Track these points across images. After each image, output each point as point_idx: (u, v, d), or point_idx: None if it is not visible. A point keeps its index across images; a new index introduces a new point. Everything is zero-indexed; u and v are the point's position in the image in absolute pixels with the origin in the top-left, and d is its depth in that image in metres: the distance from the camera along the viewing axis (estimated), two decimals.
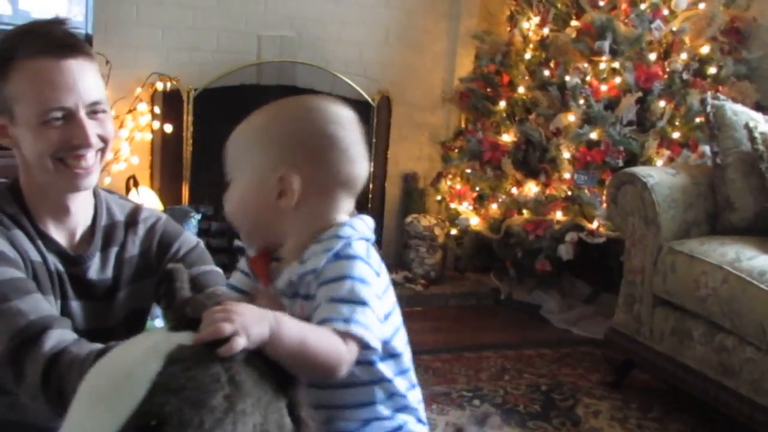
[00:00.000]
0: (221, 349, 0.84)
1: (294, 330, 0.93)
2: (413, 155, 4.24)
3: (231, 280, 1.25)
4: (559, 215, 3.37)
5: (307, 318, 1.04)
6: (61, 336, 1.21)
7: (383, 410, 1.13)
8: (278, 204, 1.11)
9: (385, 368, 1.12)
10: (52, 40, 1.34)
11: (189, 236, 1.60)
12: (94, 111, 1.37)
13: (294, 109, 1.17)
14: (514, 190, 3.62)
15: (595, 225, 3.27)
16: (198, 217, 3.36)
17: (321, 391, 1.08)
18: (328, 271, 1.05)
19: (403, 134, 4.15)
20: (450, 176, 3.94)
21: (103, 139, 1.40)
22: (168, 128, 3.51)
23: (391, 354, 1.13)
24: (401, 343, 1.16)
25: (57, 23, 1.39)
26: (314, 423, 0.96)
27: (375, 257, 1.12)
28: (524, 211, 3.52)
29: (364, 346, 1.02)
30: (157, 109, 3.49)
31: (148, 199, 3.32)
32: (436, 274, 3.93)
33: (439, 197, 4.04)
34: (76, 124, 1.34)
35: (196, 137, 3.55)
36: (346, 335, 1.00)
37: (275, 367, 0.91)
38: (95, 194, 1.50)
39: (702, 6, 3.52)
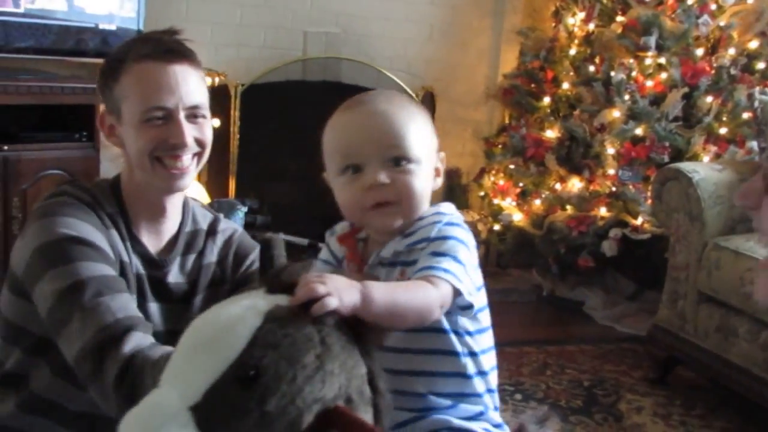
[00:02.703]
0: (315, 306, 0.88)
1: (383, 290, 0.96)
2: (456, 151, 4.24)
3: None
4: (602, 211, 3.36)
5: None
6: (141, 339, 1.25)
7: (473, 386, 1.17)
8: (434, 183, 1.22)
9: (474, 342, 1.16)
10: (161, 46, 1.41)
11: (276, 239, 1.64)
12: (194, 115, 1.42)
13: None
14: (558, 186, 3.60)
15: (639, 221, 3.24)
16: (244, 209, 3.41)
17: (414, 356, 1.12)
18: (435, 235, 1.13)
19: (447, 130, 4.14)
20: (493, 172, 3.94)
21: (200, 143, 1.44)
22: (215, 122, 3.55)
23: (480, 328, 1.18)
24: (487, 319, 1.20)
25: (169, 32, 1.46)
26: (394, 399, 0.98)
27: None
28: (567, 207, 3.50)
29: (456, 293, 1.07)
30: None
31: (195, 191, 3.37)
32: None
33: (482, 193, 4.04)
34: (175, 125, 1.40)
35: (243, 132, 3.61)
36: (438, 279, 1.05)
37: (359, 336, 0.94)
38: (184, 201, 1.55)
39: (750, 1, 3.47)
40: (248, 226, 3.47)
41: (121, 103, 1.41)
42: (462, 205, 4.09)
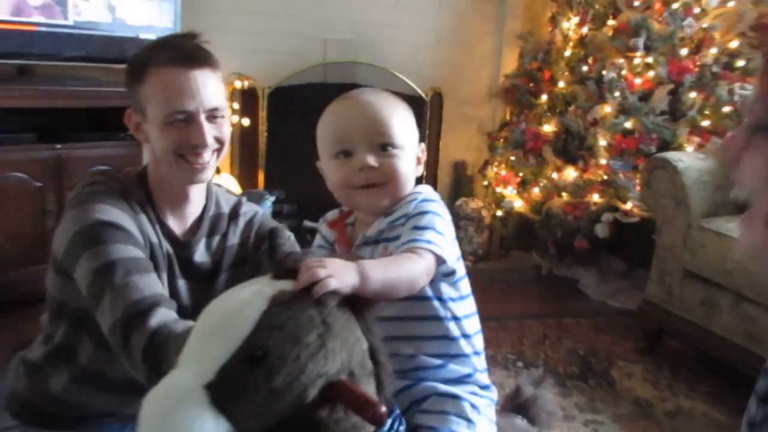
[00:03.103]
0: (316, 287, 0.88)
1: (377, 267, 0.98)
2: (462, 145, 4.27)
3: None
4: (595, 198, 3.37)
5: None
6: (166, 314, 1.24)
7: (460, 347, 1.18)
8: (416, 170, 1.24)
9: (456, 307, 1.18)
10: (182, 52, 1.41)
11: (282, 229, 1.65)
12: (213, 116, 1.44)
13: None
14: (555, 176, 3.61)
15: (629, 206, 3.26)
16: (272, 199, 3.45)
17: (403, 322, 1.14)
18: (414, 211, 1.16)
19: (454, 126, 4.18)
20: (496, 164, 3.96)
21: (219, 141, 1.46)
22: (246, 122, 3.61)
23: (460, 296, 1.19)
24: (467, 288, 1.22)
25: (190, 37, 1.45)
26: (392, 365, 0.99)
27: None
28: (564, 195, 3.52)
29: (440, 261, 1.09)
30: (236, 105, 3.60)
31: (228, 183, 3.43)
32: (483, 252, 3.96)
33: (485, 182, 4.07)
34: (196, 126, 1.41)
35: (270, 130, 3.65)
36: (422, 250, 1.07)
37: (359, 314, 0.96)
38: (207, 187, 1.57)
39: (732, 4, 3.47)
40: (276, 214, 3.52)
41: (146, 104, 1.42)
42: (468, 194, 4.13)
